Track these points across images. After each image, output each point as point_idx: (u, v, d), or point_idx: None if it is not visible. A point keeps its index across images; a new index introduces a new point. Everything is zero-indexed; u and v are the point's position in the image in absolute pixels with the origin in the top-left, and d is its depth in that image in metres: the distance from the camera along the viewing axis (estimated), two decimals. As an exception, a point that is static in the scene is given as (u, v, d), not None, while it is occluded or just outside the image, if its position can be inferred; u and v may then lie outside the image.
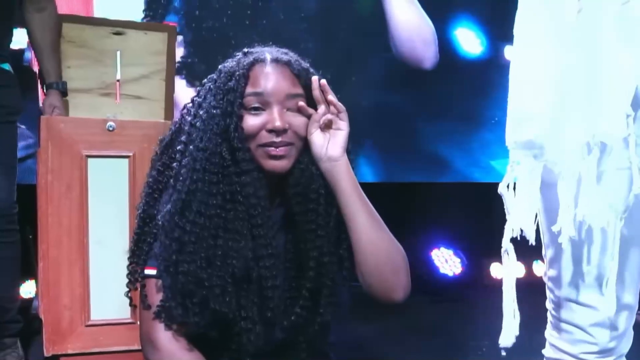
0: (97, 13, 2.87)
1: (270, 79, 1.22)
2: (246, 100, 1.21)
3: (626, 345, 1.17)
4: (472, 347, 2.43)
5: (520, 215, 1.08)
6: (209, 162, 1.19)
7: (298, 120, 1.23)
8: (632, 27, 0.99)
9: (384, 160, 3.64)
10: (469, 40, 3.71)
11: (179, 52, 3.08)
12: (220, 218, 1.19)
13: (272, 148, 1.20)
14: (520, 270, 3.65)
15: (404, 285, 1.27)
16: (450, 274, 3.60)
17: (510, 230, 1.09)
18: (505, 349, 1.15)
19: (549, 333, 1.22)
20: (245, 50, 1.28)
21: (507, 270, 1.14)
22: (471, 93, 3.58)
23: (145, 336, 1.24)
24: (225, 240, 1.19)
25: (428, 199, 3.37)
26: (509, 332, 1.14)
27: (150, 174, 1.32)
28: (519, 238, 1.10)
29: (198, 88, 1.30)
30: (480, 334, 2.50)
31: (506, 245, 1.11)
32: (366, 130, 3.50)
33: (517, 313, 1.14)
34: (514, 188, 1.10)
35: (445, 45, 3.64)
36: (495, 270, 3.59)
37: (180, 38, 3.11)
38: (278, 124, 1.19)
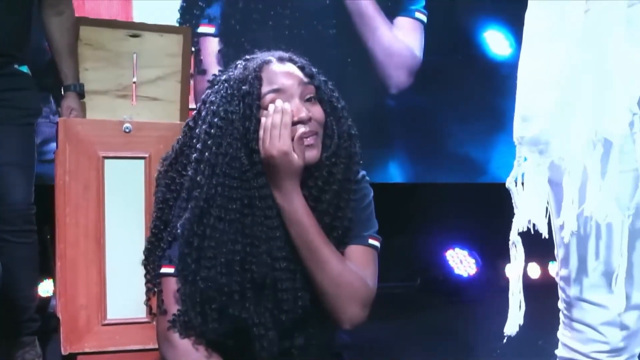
0: (136, 20, 2.91)
1: (282, 74, 1.25)
2: (265, 100, 1.23)
3: (638, 345, 1.17)
4: (486, 348, 2.42)
5: (529, 210, 1.10)
6: (229, 166, 1.20)
7: (316, 109, 1.26)
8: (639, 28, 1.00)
9: (412, 161, 3.64)
10: (498, 42, 3.69)
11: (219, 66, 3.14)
12: (240, 223, 1.20)
13: (303, 139, 1.22)
14: (535, 271, 3.64)
15: (351, 318, 1.26)
16: (465, 274, 3.58)
17: (518, 224, 1.11)
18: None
19: (562, 333, 1.22)
20: (247, 57, 1.31)
21: (514, 262, 1.15)
22: (500, 94, 3.57)
23: (162, 334, 1.25)
24: (244, 246, 1.20)
25: (442, 199, 3.36)
26: (513, 322, 1.16)
27: (157, 190, 1.34)
28: (532, 231, 1.11)
29: (199, 105, 1.31)
30: (494, 335, 2.49)
31: (514, 238, 1.13)
32: (396, 132, 3.51)
33: (523, 304, 1.16)
34: (522, 183, 1.11)
35: (474, 47, 3.64)
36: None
37: (217, 54, 3.16)
38: (304, 114, 1.22)
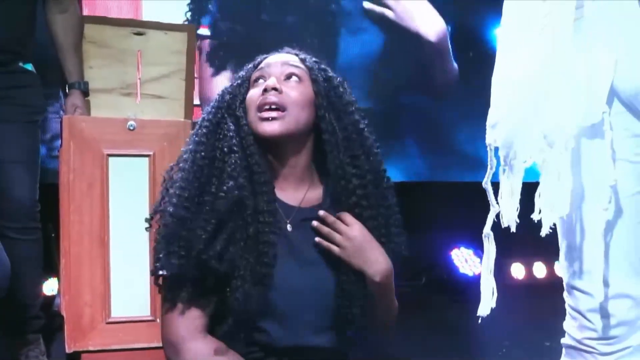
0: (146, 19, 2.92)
1: (273, 57, 1.34)
2: (252, 77, 1.32)
3: (635, 336, 1.17)
4: (492, 347, 2.41)
5: (502, 209, 1.21)
6: (204, 120, 1.29)
7: (294, 88, 1.28)
8: (587, 37, 1.12)
9: (420, 159, 3.63)
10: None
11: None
12: (215, 168, 1.24)
13: (264, 112, 1.25)
14: (541, 270, 3.62)
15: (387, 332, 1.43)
16: (470, 273, 3.57)
17: (490, 221, 1.23)
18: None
19: (565, 321, 1.25)
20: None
21: (486, 253, 1.26)
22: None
23: (166, 337, 1.24)
24: (217, 186, 1.22)
25: (447, 197, 3.35)
26: (486, 305, 1.28)
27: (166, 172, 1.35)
28: (516, 229, 1.22)
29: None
30: (500, 334, 2.48)
31: (487, 231, 1.24)
32: (405, 129, 3.52)
33: (495, 290, 1.27)
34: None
35: (485, 44, 3.63)
36: (516, 270, 3.55)
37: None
38: (270, 82, 1.26)
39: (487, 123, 1.21)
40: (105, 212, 1.86)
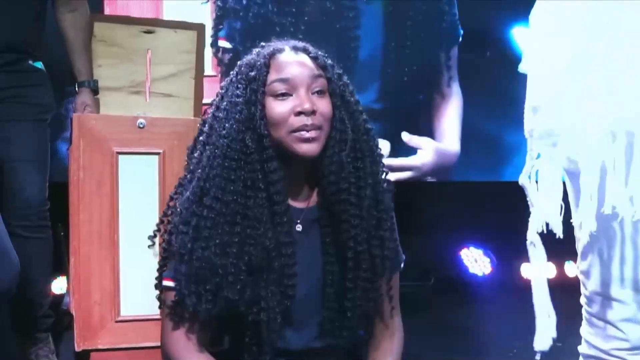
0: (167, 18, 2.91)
1: (292, 64, 1.23)
2: (271, 87, 1.22)
3: None
4: (502, 348, 2.40)
5: (544, 208, 1.09)
6: (229, 148, 1.20)
7: (323, 104, 1.23)
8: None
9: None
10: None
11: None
12: (239, 205, 1.19)
13: (304, 132, 1.20)
14: (551, 270, 3.60)
15: None
16: (480, 274, 3.56)
17: (536, 224, 1.11)
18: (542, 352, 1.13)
19: (584, 329, 1.21)
20: (263, 44, 1.30)
21: (536, 266, 1.15)
22: (525, 91, 3.53)
23: (165, 350, 1.27)
24: (244, 228, 1.19)
25: (457, 197, 3.33)
26: (544, 335, 1.14)
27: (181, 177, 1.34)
28: (544, 231, 1.10)
29: (218, 91, 1.31)
30: (510, 335, 2.47)
31: (532, 237, 1.13)
32: (414, 127, 3.53)
33: (553, 312, 1.15)
34: (536, 180, 1.11)
35: (502, 43, 3.60)
36: (526, 270, 3.54)
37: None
38: (307, 105, 1.20)
39: (527, 108, 1.11)
40: (115, 211, 1.86)
